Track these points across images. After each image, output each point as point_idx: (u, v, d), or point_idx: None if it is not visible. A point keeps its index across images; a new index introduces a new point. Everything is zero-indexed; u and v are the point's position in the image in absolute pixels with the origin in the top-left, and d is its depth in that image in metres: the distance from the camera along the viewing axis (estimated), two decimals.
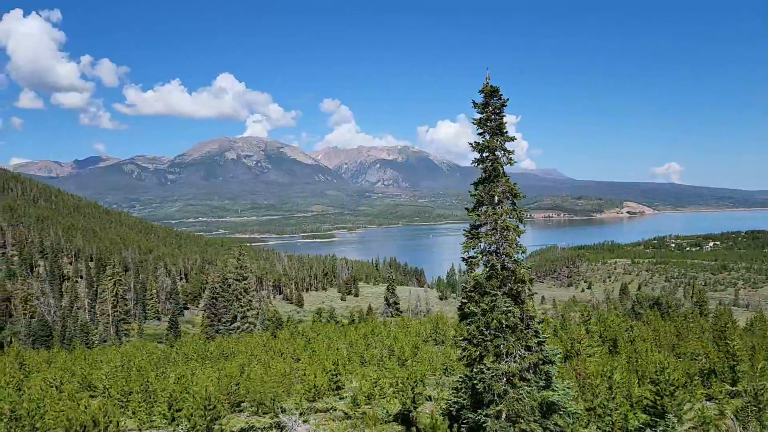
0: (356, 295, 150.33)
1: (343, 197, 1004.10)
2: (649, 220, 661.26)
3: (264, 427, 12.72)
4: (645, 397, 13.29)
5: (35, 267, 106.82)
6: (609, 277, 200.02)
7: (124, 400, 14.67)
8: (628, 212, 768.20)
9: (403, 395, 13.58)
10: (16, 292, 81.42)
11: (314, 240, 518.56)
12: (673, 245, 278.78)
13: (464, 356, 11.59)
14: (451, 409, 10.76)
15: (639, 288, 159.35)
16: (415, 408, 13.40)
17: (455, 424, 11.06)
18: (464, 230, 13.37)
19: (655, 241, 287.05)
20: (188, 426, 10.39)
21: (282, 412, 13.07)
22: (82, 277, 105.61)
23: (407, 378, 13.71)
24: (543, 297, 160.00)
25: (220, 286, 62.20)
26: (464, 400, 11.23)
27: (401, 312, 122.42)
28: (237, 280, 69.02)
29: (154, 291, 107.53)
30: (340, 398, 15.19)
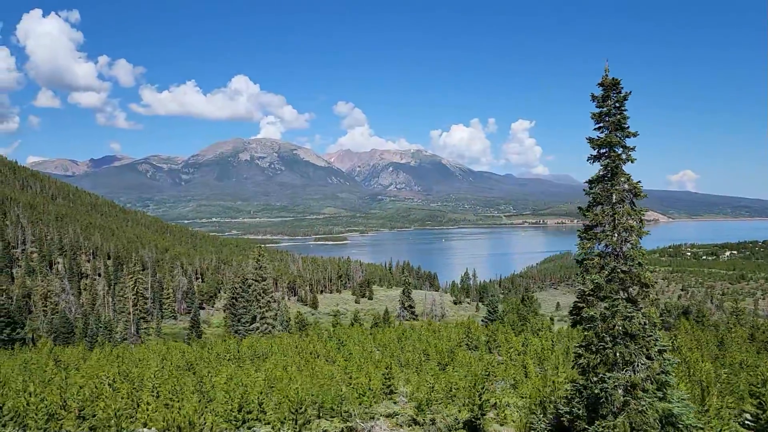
0: (370, 298, 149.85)
1: (355, 200, 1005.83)
2: (663, 228, 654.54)
3: None
4: (744, 411, 12.69)
5: (54, 264, 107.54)
6: None
7: (176, 399, 14.32)
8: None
9: (469, 401, 13.10)
10: (35, 289, 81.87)
11: (326, 242, 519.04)
12: (689, 254, 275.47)
13: (580, 364, 11.06)
14: (563, 419, 10.24)
15: (656, 296, 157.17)
16: (483, 415, 12.93)
17: None
18: (578, 230, 12.81)
19: (671, 250, 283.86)
20: (279, 428, 10.00)
21: (349, 416, 12.63)
22: (100, 275, 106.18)
23: (474, 384, 13.23)
24: (558, 303, 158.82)
25: (240, 287, 62.05)
26: (578, 410, 10.67)
27: (416, 316, 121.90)
28: (256, 281, 68.94)
29: (171, 290, 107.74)
30: (394, 402, 14.77)
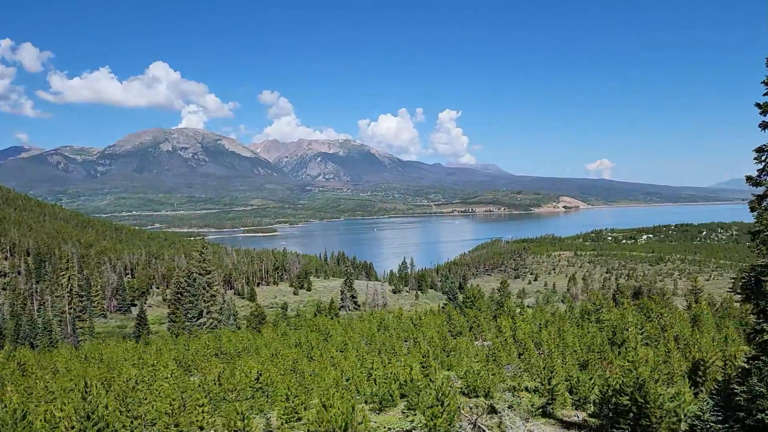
0: (309, 290, 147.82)
1: (283, 191, 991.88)
2: (583, 214, 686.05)
3: None
4: None
5: None
6: (554, 269, 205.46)
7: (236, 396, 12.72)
8: (564, 206, 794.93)
9: (542, 386, 12.33)
10: None
11: (256, 234, 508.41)
12: (610, 238, 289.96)
13: (761, 341, 10.32)
14: (739, 398, 9.49)
15: (584, 279, 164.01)
16: (554, 400, 12.20)
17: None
18: (749, 201, 11.99)
19: (593, 235, 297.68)
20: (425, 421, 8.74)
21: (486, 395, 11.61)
22: (20, 273, 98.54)
23: (543, 368, 12.47)
24: (494, 289, 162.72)
25: (186, 281, 58.97)
26: (761, 387, 9.87)
27: (359, 306, 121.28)
28: (200, 274, 65.94)
29: (99, 287, 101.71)
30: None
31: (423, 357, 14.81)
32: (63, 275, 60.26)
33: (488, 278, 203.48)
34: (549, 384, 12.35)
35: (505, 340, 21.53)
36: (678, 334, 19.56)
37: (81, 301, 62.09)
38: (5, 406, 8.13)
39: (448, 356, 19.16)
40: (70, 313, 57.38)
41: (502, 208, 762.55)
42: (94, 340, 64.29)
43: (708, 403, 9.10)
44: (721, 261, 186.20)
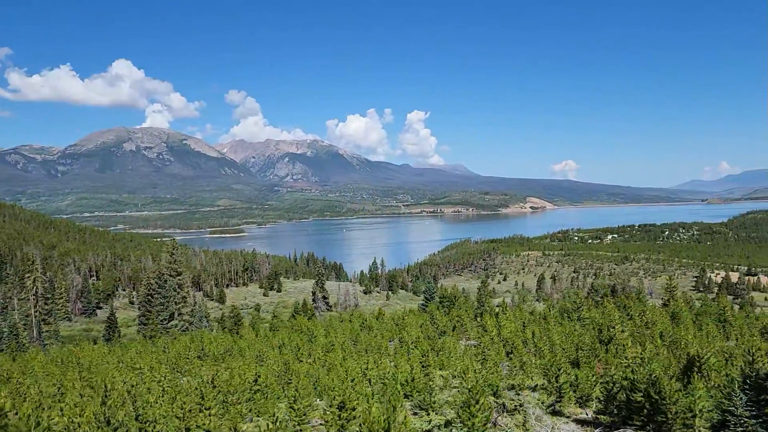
0: (279, 291, 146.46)
1: (251, 191, 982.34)
2: (550, 214, 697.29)
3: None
4: None
5: None
6: (523, 269, 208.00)
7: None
8: (531, 207, 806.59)
9: (548, 385, 12.25)
10: None
11: (223, 235, 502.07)
12: (576, 238, 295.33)
13: None
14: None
15: (553, 278, 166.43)
16: (562, 398, 12.13)
17: None
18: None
19: (560, 235, 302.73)
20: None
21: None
22: None
23: (550, 366, 12.40)
24: (464, 289, 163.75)
25: (156, 282, 57.73)
26: None
27: (331, 307, 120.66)
28: (171, 275, 64.69)
29: (63, 290, 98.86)
30: (457, 390, 13.69)
31: (423, 356, 14.72)
32: (28, 277, 58.32)
33: (458, 278, 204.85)
34: (557, 382, 12.34)
35: (492, 338, 21.60)
36: (662, 332, 19.92)
37: (47, 304, 60.18)
38: (17, 413, 7.70)
39: (437, 355, 19.08)
40: (35, 317, 55.57)
41: (471, 209, 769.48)
42: (59, 344, 62.44)
43: (741, 398, 9.19)
44: (684, 260, 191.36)
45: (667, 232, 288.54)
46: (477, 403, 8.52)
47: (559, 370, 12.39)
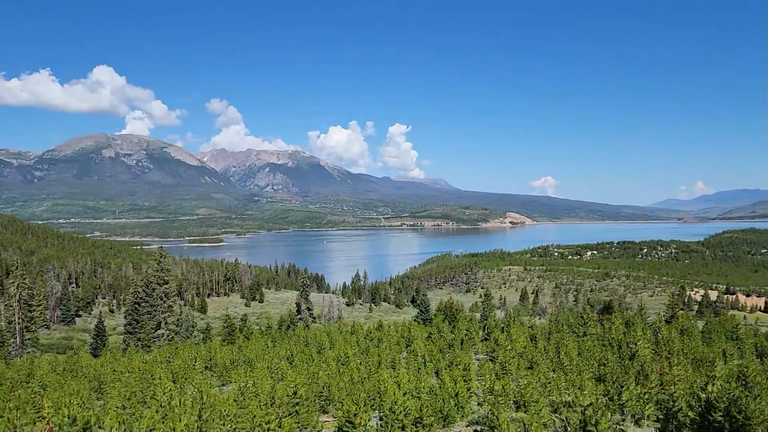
0: (261, 301, 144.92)
1: (230, 201, 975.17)
2: (529, 230, 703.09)
3: None
4: None
5: None
6: (504, 284, 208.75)
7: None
8: (510, 222, 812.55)
9: (611, 403, 11.91)
10: None
11: (202, 245, 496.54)
12: (557, 254, 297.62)
13: None
14: None
15: (535, 294, 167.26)
16: (624, 417, 11.79)
17: None
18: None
19: (541, 250, 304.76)
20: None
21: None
22: None
23: (613, 383, 12.08)
24: (442, 301, 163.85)
25: (144, 290, 56.55)
26: None
27: (315, 318, 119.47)
28: (158, 284, 63.53)
29: (42, 297, 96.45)
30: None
31: (464, 370, 14.38)
32: (11, 284, 56.66)
33: (440, 291, 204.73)
34: (620, 399, 12.04)
35: (506, 352, 21.29)
36: (685, 348, 19.77)
37: (29, 311, 58.52)
38: (69, 418, 7.19)
39: (453, 369, 18.69)
40: (18, 323, 53.93)
41: (451, 223, 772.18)
42: (39, 352, 60.70)
43: None
44: (664, 278, 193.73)
45: (645, 250, 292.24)
46: (596, 425, 8.09)
47: (621, 386, 12.10)
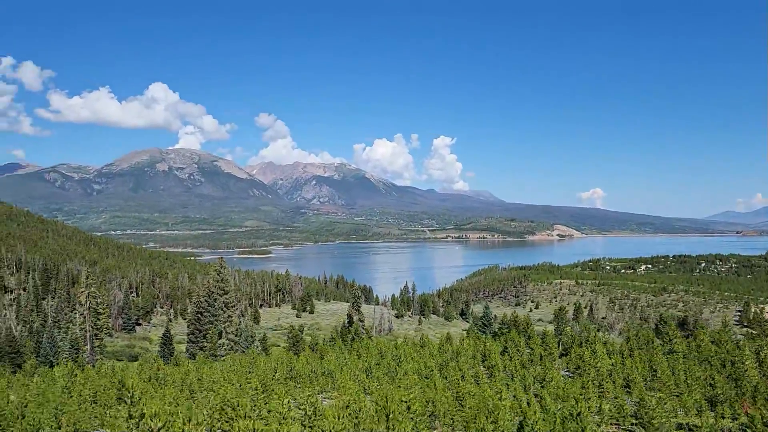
0: (311, 312, 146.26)
1: (278, 213, 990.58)
2: (578, 243, 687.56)
3: None
4: None
5: None
6: (555, 298, 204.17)
7: None
8: (558, 235, 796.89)
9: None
10: None
11: (251, 256, 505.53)
12: (609, 267, 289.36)
13: None
14: None
15: (590, 308, 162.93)
16: None
17: None
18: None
19: (592, 264, 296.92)
20: None
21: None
22: (25, 290, 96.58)
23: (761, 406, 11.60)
24: (495, 316, 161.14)
25: (206, 300, 57.70)
26: None
27: (366, 330, 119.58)
28: (219, 294, 64.71)
29: (105, 306, 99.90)
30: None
31: (584, 388, 13.98)
32: (82, 292, 58.93)
33: (490, 305, 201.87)
34: (736, 422, 11.44)
35: (597, 371, 20.61)
36: None
37: (98, 320, 60.66)
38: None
39: (542, 386, 18.21)
40: (88, 332, 55.91)
41: (496, 235, 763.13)
42: (106, 359, 62.63)
43: None
44: (725, 293, 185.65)
45: (703, 264, 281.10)
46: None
47: (736, 410, 11.49)
